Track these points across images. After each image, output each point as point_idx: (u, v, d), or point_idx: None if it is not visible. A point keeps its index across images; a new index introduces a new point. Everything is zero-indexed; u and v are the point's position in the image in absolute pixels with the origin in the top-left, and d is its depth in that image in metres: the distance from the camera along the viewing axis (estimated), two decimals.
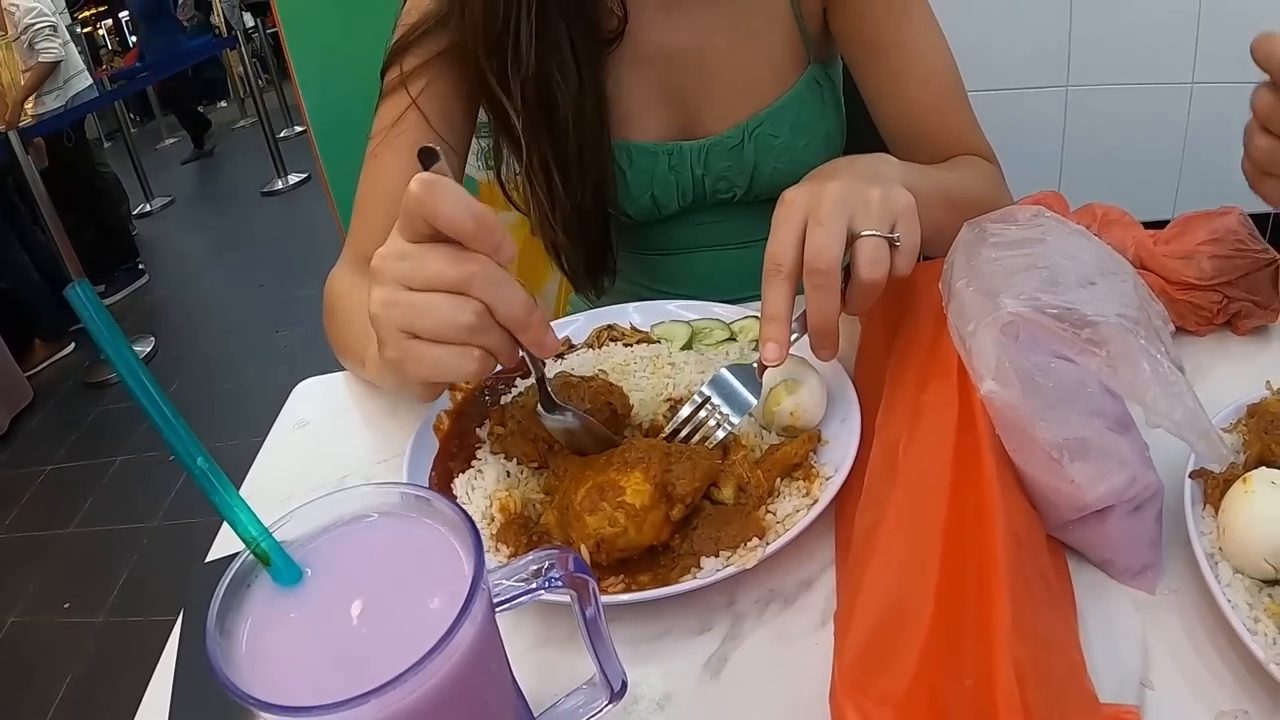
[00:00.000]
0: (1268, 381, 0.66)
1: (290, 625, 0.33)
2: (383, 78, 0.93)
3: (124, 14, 7.70)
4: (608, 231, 1.00)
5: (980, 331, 0.50)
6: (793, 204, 0.63)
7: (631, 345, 0.79)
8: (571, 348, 0.80)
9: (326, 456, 0.76)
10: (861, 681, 0.39)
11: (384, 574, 0.35)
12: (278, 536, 0.34)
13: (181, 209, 5.95)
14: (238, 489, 0.35)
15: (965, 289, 0.54)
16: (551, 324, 0.66)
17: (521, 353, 0.58)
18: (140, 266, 4.59)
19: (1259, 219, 1.08)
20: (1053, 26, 2.29)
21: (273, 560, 0.34)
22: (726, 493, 0.58)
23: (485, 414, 0.69)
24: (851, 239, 0.61)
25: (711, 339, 0.78)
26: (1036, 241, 0.55)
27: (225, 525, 0.66)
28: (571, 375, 0.67)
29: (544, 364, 0.62)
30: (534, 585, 0.37)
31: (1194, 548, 0.52)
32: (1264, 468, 0.55)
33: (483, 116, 0.98)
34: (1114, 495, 0.51)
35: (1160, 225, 0.85)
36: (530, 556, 0.38)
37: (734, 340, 0.78)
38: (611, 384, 0.67)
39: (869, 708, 0.38)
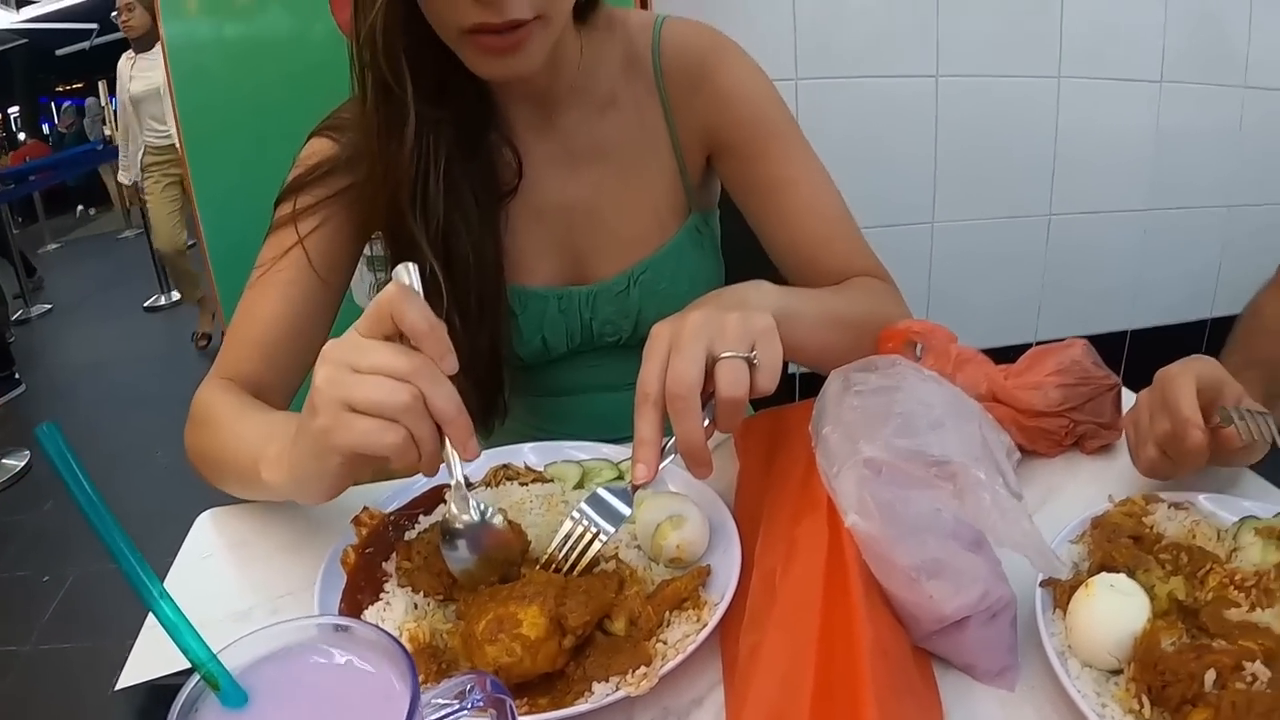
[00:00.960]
0: (1110, 496, 0.76)
1: None
2: (275, 209, 0.98)
3: (13, 109, 7.63)
4: (500, 374, 1.07)
5: (843, 473, 0.57)
6: (658, 336, 0.71)
7: (527, 484, 0.84)
8: (470, 487, 0.85)
9: (231, 590, 0.79)
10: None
11: (326, 697, 0.39)
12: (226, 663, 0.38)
13: (60, 318, 5.83)
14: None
15: (830, 434, 0.61)
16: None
17: (444, 456, 0.64)
18: (16, 376, 4.50)
19: (1115, 338, 1.19)
20: (921, 166, 2.47)
21: (220, 684, 0.38)
22: (618, 625, 0.64)
23: (391, 549, 0.73)
24: (712, 363, 0.68)
25: (602, 478, 0.83)
26: (894, 389, 0.63)
27: (132, 654, 0.69)
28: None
29: (464, 470, 0.67)
30: (458, 706, 0.41)
31: (1045, 647, 0.59)
32: (1104, 573, 0.63)
33: (368, 251, 1.05)
34: (969, 608, 0.58)
35: (1023, 348, 0.95)
36: (454, 680, 0.42)
37: (622, 479, 0.83)
38: (510, 521, 0.72)
39: None
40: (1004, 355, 1.00)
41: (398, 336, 0.63)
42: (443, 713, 0.40)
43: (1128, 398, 0.91)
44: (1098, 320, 2.68)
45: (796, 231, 1.05)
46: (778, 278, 1.02)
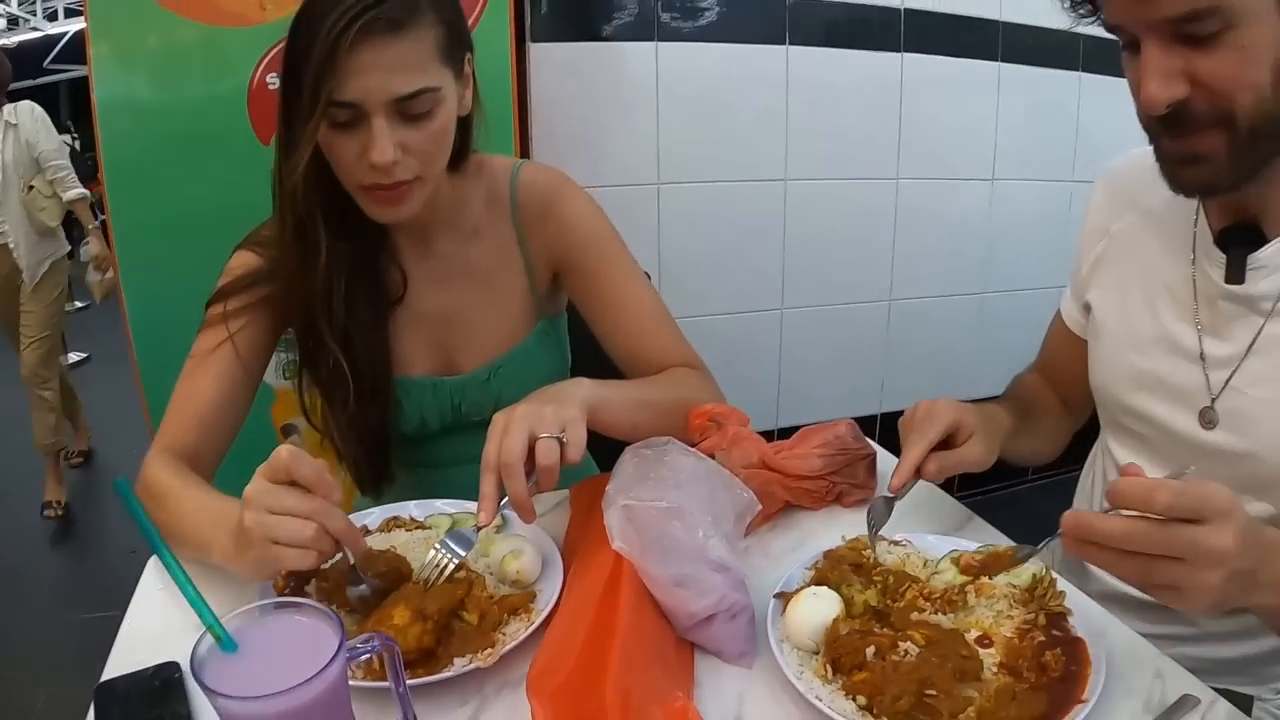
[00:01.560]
0: (843, 536, 1.04)
1: (231, 668, 0.63)
2: (206, 309, 1.23)
3: None
4: (388, 446, 1.33)
5: (609, 512, 0.86)
6: (495, 423, 0.99)
7: (411, 530, 1.12)
8: (369, 532, 1.11)
9: (187, 610, 1.02)
10: (537, 685, 0.73)
11: (285, 641, 0.65)
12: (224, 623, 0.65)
13: None
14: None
15: (610, 490, 0.90)
16: (355, 517, 0.99)
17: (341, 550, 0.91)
18: None
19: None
20: (771, 258, 2.78)
21: (221, 637, 0.64)
22: (472, 616, 0.91)
23: (310, 577, 0.98)
24: (534, 441, 0.96)
25: (467, 524, 1.08)
26: (658, 461, 0.92)
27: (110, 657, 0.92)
28: (372, 549, 0.99)
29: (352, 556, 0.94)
30: (367, 646, 0.68)
31: (770, 637, 0.88)
32: (813, 586, 0.92)
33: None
34: (711, 608, 0.88)
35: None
36: (362, 636, 0.69)
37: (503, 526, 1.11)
38: (399, 555, 1.00)
39: (539, 696, 0.71)
40: None
41: (290, 482, 0.89)
42: (356, 652, 0.67)
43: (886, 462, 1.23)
44: (938, 392, 2.99)
45: (625, 333, 1.34)
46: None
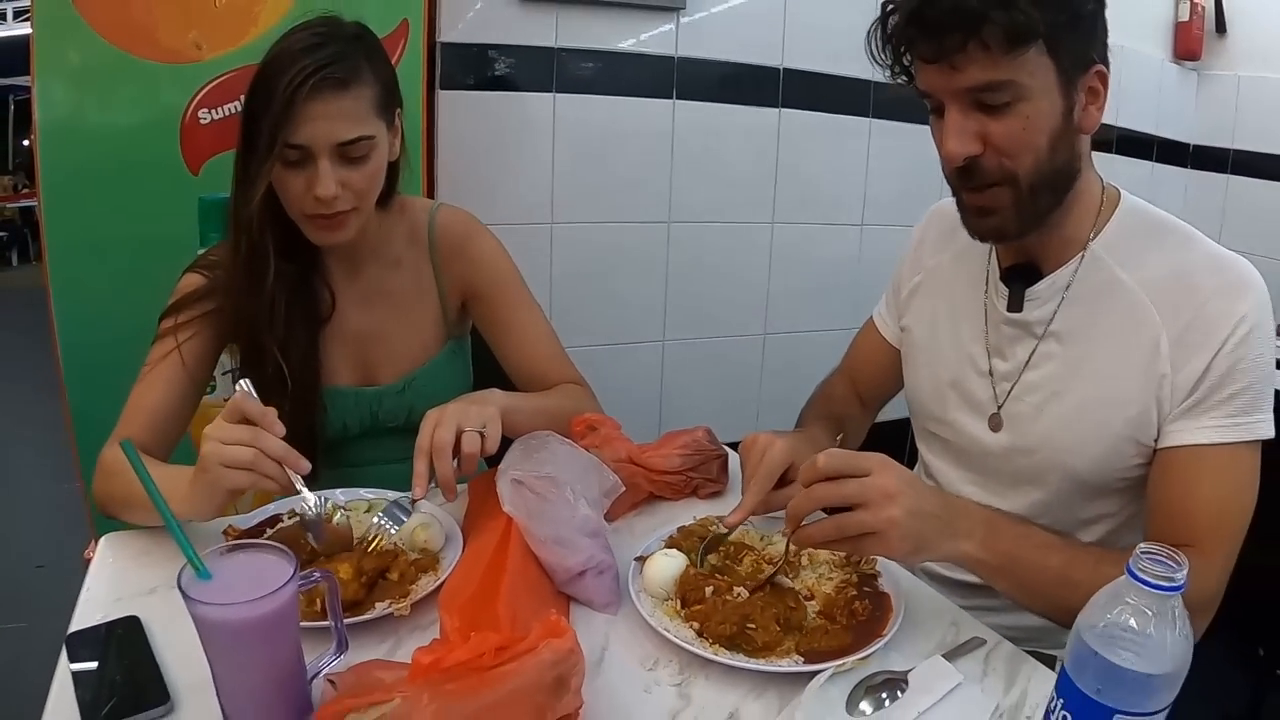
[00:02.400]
0: (694, 516, 1.29)
1: (206, 589, 0.84)
2: (159, 323, 1.44)
3: None
4: (315, 447, 1.53)
5: (500, 483, 1.10)
6: (428, 417, 1.24)
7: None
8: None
9: (143, 575, 1.19)
10: (446, 601, 0.97)
11: (248, 570, 0.86)
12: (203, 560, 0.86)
13: None
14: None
15: (504, 468, 1.13)
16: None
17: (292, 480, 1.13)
18: None
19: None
20: (654, 295, 3.03)
21: (199, 568, 0.85)
22: (395, 575, 1.13)
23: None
24: (460, 433, 1.20)
25: (381, 507, 1.29)
26: (541, 447, 1.16)
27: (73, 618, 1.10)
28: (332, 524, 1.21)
29: (302, 485, 1.14)
30: (313, 578, 0.90)
31: (630, 590, 1.11)
32: (664, 549, 1.17)
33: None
34: (582, 565, 1.11)
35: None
36: (308, 572, 0.90)
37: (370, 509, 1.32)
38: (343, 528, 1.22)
39: (448, 609, 0.94)
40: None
41: (242, 420, 1.12)
42: (305, 580, 0.88)
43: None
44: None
45: (521, 355, 1.61)
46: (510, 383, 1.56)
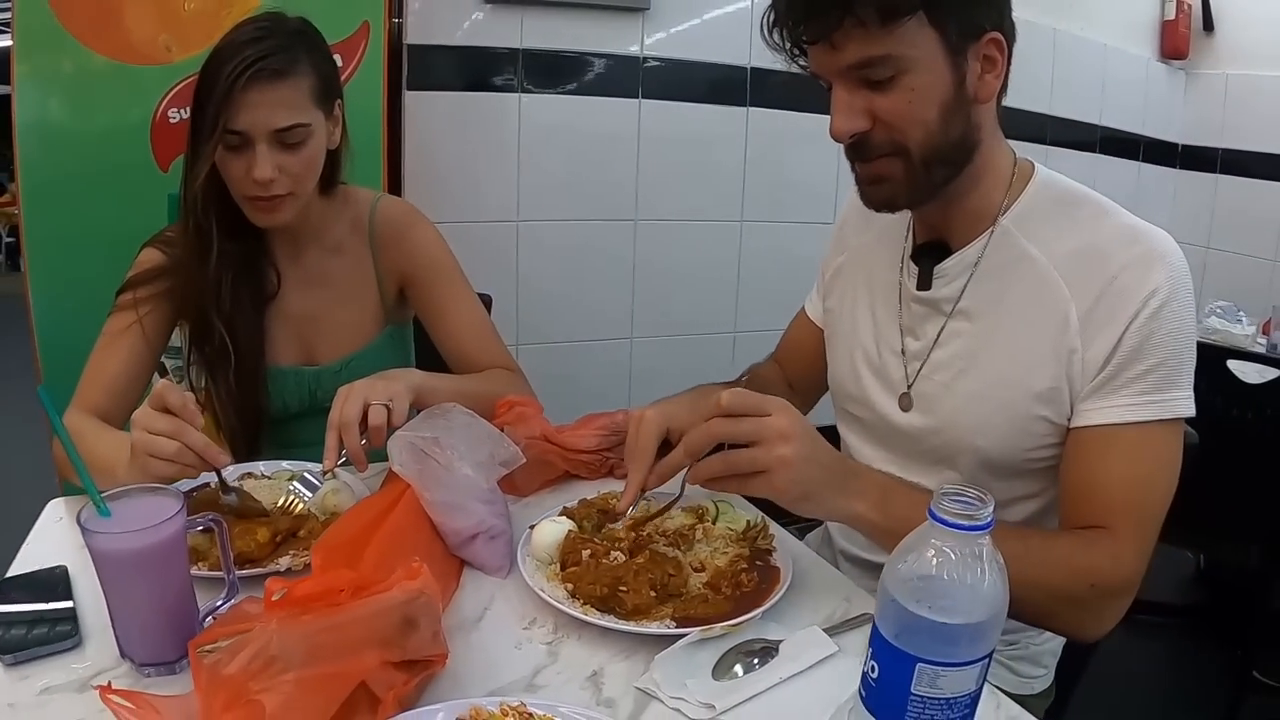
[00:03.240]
0: (599, 491, 1.37)
1: (105, 524, 0.95)
2: (117, 297, 1.55)
3: None
4: (260, 422, 1.66)
5: (391, 443, 1.21)
6: (340, 392, 1.33)
7: (259, 480, 1.44)
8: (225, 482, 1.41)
9: (74, 536, 1.26)
10: (321, 544, 1.04)
11: (141, 508, 0.97)
12: (104, 500, 0.98)
13: None
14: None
15: (399, 431, 1.24)
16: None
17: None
18: None
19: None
20: (621, 292, 3.14)
21: (100, 507, 0.97)
22: (304, 533, 1.24)
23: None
24: (367, 407, 1.30)
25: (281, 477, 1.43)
26: (441, 415, 1.26)
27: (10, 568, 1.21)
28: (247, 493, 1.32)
29: (221, 471, 1.25)
30: (203, 520, 1.01)
31: (518, 553, 1.21)
32: (552, 518, 1.26)
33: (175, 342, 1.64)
34: (474, 529, 1.20)
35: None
36: (199, 515, 1.02)
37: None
38: (248, 495, 1.33)
39: (317, 550, 1.00)
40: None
41: (164, 408, 1.21)
42: (193, 522, 1.00)
43: None
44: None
45: (454, 338, 1.72)
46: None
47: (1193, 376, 1.18)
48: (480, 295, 1.84)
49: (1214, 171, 4.17)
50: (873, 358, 1.42)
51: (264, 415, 1.67)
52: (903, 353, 1.37)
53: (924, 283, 1.33)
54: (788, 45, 1.19)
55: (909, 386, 1.36)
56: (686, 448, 1.12)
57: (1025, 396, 1.22)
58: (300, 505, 1.31)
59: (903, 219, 1.42)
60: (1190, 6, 4.11)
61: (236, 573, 1.07)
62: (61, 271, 2.16)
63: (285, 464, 1.49)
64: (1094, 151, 3.93)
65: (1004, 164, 1.29)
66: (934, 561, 0.77)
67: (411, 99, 2.72)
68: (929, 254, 1.32)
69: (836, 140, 1.19)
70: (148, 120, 2.18)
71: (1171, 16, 4.10)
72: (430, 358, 1.80)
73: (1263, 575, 2.60)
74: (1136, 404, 1.16)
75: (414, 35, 2.69)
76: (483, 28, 2.78)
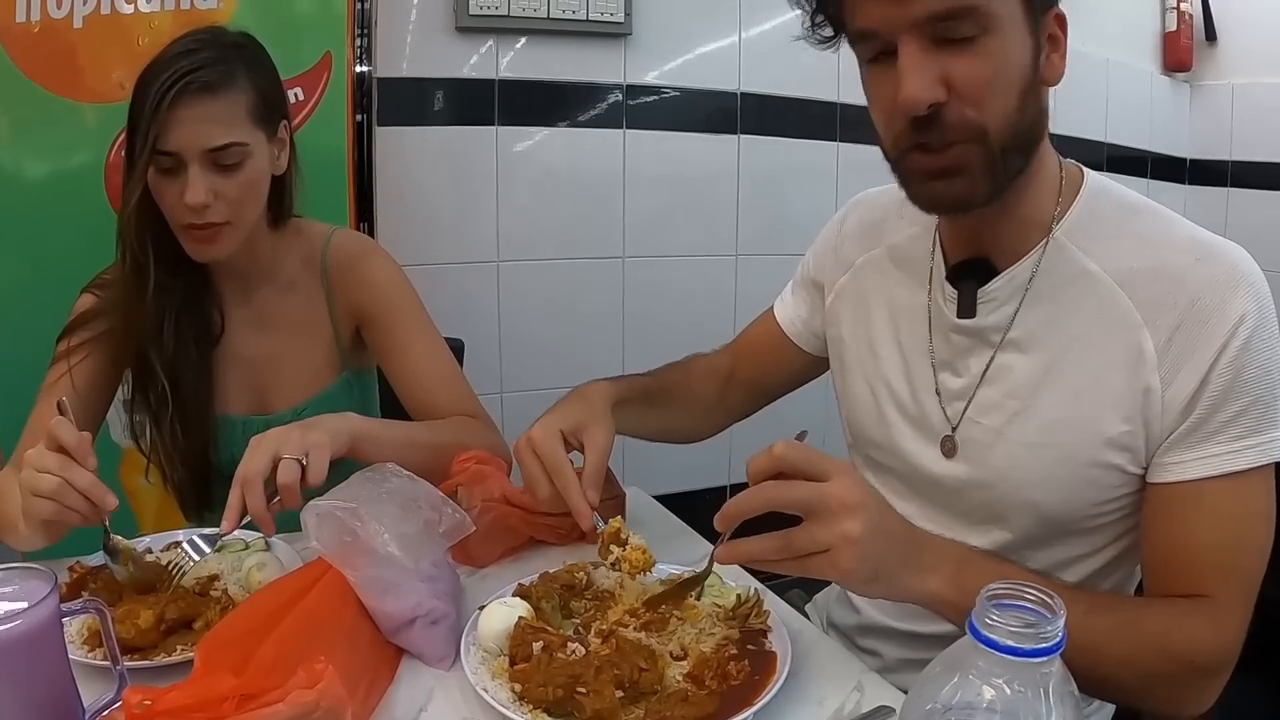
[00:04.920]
0: (564, 561, 1.20)
1: None
2: (55, 345, 1.44)
3: None
4: (209, 473, 1.52)
5: (305, 515, 1.03)
6: (251, 442, 1.18)
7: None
8: (150, 552, 1.25)
9: None
10: (210, 637, 0.87)
11: (6, 592, 0.81)
12: None
13: None
14: None
15: (318, 504, 1.06)
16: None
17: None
18: None
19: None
20: (611, 329, 2.98)
21: None
22: (199, 625, 1.07)
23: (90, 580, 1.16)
24: (277, 461, 1.14)
25: (235, 549, 1.26)
26: (372, 481, 1.08)
27: None
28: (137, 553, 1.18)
29: (107, 519, 1.12)
30: (82, 606, 0.85)
31: (463, 643, 1.04)
32: (506, 598, 1.09)
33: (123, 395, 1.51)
34: (410, 613, 1.03)
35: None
36: (79, 600, 0.85)
37: (248, 548, 1.27)
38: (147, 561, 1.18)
39: (202, 646, 0.85)
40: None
41: (58, 448, 1.09)
42: (72, 609, 0.86)
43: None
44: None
45: (412, 382, 1.56)
46: None
47: None
48: (450, 340, 1.68)
49: (1225, 185, 4.02)
50: (904, 401, 1.22)
51: (213, 469, 1.53)
52: (938, 391, 1.18)
53: (967, 309, 1.13)
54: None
55: (952, 430, 1.16)
56: (722, 517, 0.94)
57: (1094, 443, 1.05)
58: (179, 574, 1.16)
59: (925, 230, 1.23)
60: (1192, 17, 3.97)
61: (125, 663, 0.92)
62: (11, 317, 2.02)
63: (204, 532, 1.31)
64: (1101, 170, 3.74)
65: (1054, 166, 1.11)
66: (978, 696, 0.58)
67: (383, 134, 2.57)
68: (970, 273, 1.13)
69: (912, 111, 0.96)
70: (102, 160, 2.06)
71: (1173, 28, 3.96)
72: (396, 408, 1.64)
73: None
74: (1231, 452, 0.99)
75: (384, 68, 2.54)
76: (456, 58, 2.64)
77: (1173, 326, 1.01)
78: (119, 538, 1.16)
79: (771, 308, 1.54)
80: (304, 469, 1.16)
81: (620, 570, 1.11)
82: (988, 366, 1.13)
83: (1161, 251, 1.04)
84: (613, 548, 1.11)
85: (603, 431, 1.21)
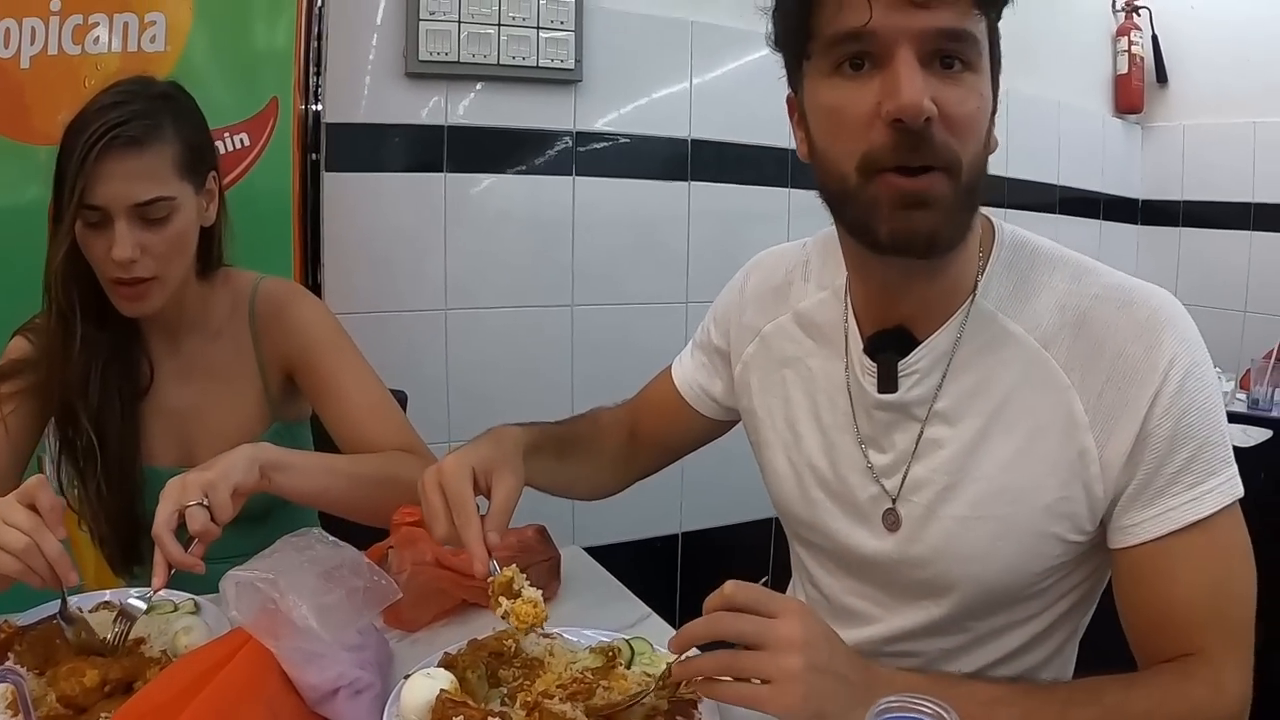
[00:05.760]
0: (494, 628, 1.17)
1: None
2: None
3: None
4: (135, 528, 1.50)
5: (222, 584, 1.02)
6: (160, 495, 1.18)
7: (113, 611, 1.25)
8: (83, 611, 1.22)
9: None
10: (125, 712, 0.87)
11: None
12: None
13: None
14: None
15: (235, 573, 1.06)
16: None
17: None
18: None
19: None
20: (560, 381, 2.96)
21: None
22: (139, 685, 1.05)
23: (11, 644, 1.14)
24: (182, 509, 1.15)
25: (165, 609, 1.25)
26: (296, 546, 1.08)
27: None
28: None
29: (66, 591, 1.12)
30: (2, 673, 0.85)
31: (386, 714, 1.03)
32: (430, 669, 1.07)
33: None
34: (332, 683, 1.01)
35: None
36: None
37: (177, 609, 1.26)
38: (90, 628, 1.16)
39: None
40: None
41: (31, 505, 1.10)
42: None
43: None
44: (734, 509, 3.08)
45: (345, 420, 1.55)
46: None
47: (1231, 449, 1.01)
48: (393, 392, 1.67)
49: (1176, 225, 4.08)
50: (828, 480, 1.20)
51: (139, 523, 1.50)
52: (870, 468, 1.15)
53: (888, 384, 1.10)
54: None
55: (885, 509, 1.14)
56: (680, 639, 0.96)
57: (1031, 512, 1.04)
58: (128, 625, 1.16)
59: (834, 295, 1.21)
60: (1143, 59, 4.04)
61: None
62: None
63: (134, 593, 1.29)
64: (1054, 212, 3.83)
65: (978, 229, 1.08)
66: None
67: (331, 180, 2.56)
68: (887, 344, 1.10)
69: (909, 116, 0.90)
70: (47, 204, 2.02)
71: (1125, 70, 4.03)
72: None
73: (1263, 649, 2.44)
74: (1190, 501, 0.98)
75: (332, 114, 2.54)
76: (406, 104, 2.65)
77: (1100, 383, 1.01)
78: (77, 608, 1.17)
79: (669, 367, 1.51)
80: (210, 511, 1.17)
81: (509, 623, 1.09)
82: (917, 442, 1.11)
83: (1081, 304, 1.04)
84: (503, 599, 1.09)
85: (512, 476, 1.19)
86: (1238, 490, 0.99)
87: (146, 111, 1.35)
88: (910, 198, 0.95)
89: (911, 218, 0.95)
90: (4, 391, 1.44)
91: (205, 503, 1.18)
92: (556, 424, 1.44)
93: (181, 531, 1.19)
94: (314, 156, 2.49)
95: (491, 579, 1.10)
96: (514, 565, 1.12)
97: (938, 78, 0.93)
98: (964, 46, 0.93)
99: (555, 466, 1.37)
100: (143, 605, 1.17)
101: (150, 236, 1.35)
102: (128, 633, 1.14)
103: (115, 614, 1.19)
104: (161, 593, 1.26)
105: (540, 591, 1.11)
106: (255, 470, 1.26)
